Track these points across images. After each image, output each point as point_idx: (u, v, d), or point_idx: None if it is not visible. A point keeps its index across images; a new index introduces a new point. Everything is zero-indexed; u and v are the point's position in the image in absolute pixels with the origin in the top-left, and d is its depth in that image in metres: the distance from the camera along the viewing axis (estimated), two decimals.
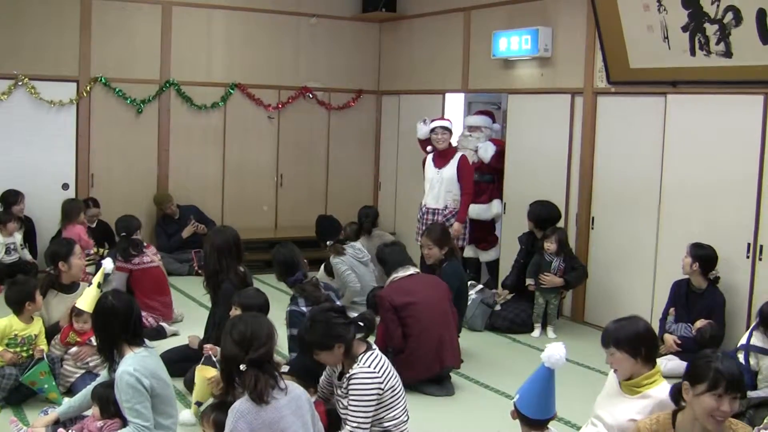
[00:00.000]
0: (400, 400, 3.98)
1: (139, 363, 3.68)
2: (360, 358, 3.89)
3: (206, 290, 5.40)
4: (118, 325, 3.77)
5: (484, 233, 7.89)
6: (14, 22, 8.18)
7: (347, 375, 3.88)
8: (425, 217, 7.21)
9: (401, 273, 5.38)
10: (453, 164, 7.14)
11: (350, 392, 3.83)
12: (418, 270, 5.55)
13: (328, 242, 6.82)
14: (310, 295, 4.88)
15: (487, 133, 7.89)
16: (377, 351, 3.98)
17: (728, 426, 2.96)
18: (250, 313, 3.75)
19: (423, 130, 8.04)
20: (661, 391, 3.47)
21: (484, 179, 7.81)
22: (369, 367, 3.85)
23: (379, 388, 3.84)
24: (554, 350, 3.25)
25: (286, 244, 5.29)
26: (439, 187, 7.14)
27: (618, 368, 3.55)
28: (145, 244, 6.76)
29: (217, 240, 5.30)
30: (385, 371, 3.90)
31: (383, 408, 3.89)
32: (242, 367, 3.20)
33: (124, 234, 6.60)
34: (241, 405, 3.19)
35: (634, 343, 3.49)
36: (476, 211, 7.63)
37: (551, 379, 3.28)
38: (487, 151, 7.72)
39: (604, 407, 3.64)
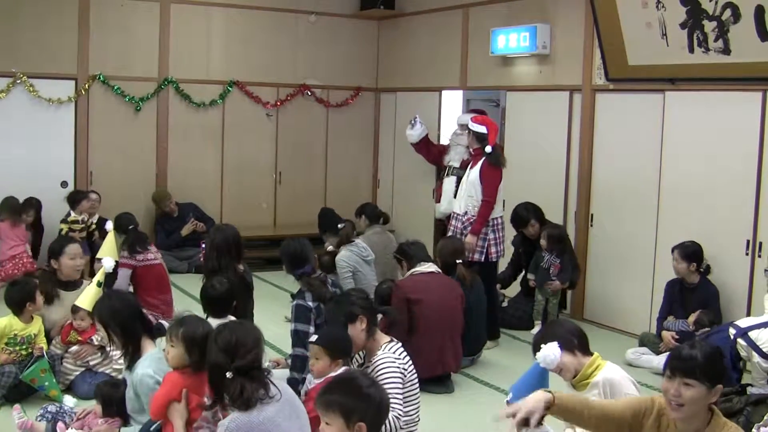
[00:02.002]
0: (414, 398, 4.04)
1: (155, 365, 3.70)
2: (384, 346, 4.00)
3: None
4: (137, 320, 3.82)
5: None
6: (12, 19, 8.16)
7: (371, 361, 3.95)
8: (451, 222, 6.58)
9: (422, 268, 5.45)
10: (477, 167, 6.37)
11: (378, 376, 3.86)
12: (438, 269, 5.57)
13: (339, 225, 6.82)
14: (316, 290, 4.86)
15: None
16: (401, 345, 4.06)
17: (722, 425, 2.96)
18: (235, 320, 3.72)
19: (414, 135, 7.79)
20: (605, 372, 3.56)
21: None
22: (393, 353, 3.96)
23: (402, 373, 3.91)
24: (549, 350, 3.27)
25: (298, 239, 5.28)
26: (463, 189, 6.46)
27: (562, 368, 3.59)
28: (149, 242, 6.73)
29: (217, 238, 5.31)
30: (407, 362, 3.99)
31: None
32: (228, 374, 3.10)
33: (131, 227, 6.54)
34: (231, 423, 3.06)
35: (566, 339, 3.57)
36: None
37: (545, 378, 3.30)
38: None
39: None
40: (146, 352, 3.78)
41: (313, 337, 4.06)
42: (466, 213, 6.33)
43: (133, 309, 3.88)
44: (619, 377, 3.57)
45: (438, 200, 7.67)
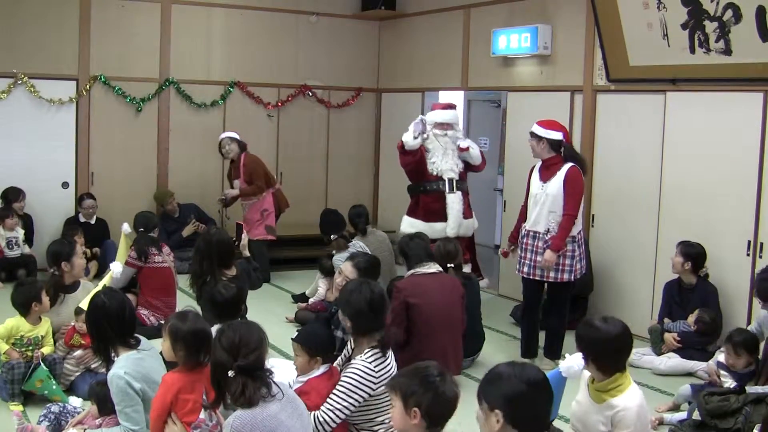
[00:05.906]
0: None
1: (130, 366, 3.66)
2: (367, 351, 3.87)
3: (192, 290, 5.45)
4: (111, 324, 3.75)
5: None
6: (13, 20, 8.17)
7: (349, 362, 3.89)
8: (524, 240, 5.76)
9: (423, 269, 5.37)
10: (560, 177, 5.59)
11: (342, 377, 3.79)
12: (440, 269, 5.46)
13: (332, 236, 6.81)
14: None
15: (459, 130, 7.00)
16: (390, 355, 3.93)
17: None
18: (240, 320, 3.76)
19: (419, 142, 6.83)
20: (625, 399, 3.34)
21: (465, 188, 6.97)
22: (370, 364, 3.82)
23: (370, 388, 3.78)
24: (573, 361, 3.24)
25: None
26: (542, 205, 5.64)
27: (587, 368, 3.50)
28: (160, 243, 6.73)
29: (202, 243, 5.39)
30: (382, 376, 3.82)
31: (375, 410, 3.84)
32: (230, 373, 3.10)
33: (142, 230, 6.55)
34: (235, 421, 3.08)
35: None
36: (468, 225, 6.94)
37: (562, 385, 3.29)
38: (478, 153, 6.98)
39: (578, 417, 3.56)
40: (122, 354, 3.75)
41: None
42: (548, 231, 5.63)
43: (114, 312, 3.79)
44: (637, 410, 3.31)
45: (428, 220, 6.89)
